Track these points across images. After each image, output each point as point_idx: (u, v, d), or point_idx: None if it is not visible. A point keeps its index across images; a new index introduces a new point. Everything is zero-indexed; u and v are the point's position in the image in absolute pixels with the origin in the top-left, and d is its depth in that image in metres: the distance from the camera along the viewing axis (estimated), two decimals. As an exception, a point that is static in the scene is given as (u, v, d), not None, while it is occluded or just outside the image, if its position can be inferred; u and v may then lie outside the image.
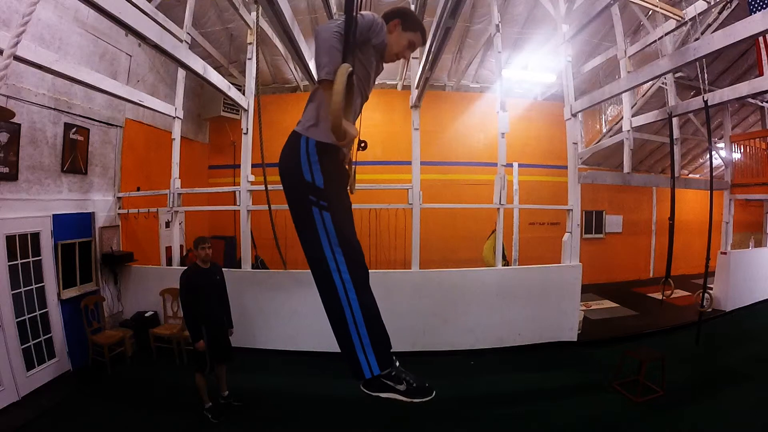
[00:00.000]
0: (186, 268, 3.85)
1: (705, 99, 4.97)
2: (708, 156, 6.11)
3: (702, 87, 5.01)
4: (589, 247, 8.63)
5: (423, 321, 5.08)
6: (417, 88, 5.12)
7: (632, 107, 7.00)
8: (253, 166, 5.38)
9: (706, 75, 5.02)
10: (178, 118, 5.64)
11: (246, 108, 5.40)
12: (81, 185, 5.00)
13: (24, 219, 4.13)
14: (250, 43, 5.30)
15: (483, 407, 3.94)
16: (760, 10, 4.34)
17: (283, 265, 5.17)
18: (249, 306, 5.09)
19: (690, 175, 10.08)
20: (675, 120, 6.19)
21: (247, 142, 5.38)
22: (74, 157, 4.81)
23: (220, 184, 8.28)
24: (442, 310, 5.15)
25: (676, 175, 5.60)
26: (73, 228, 4.77)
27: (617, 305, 7.29)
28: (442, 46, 3.51)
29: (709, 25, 5.36)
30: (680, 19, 5.38)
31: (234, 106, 7.28)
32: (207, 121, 8.36)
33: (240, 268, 5.42)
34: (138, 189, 5.83)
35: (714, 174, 5.37)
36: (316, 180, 1.32)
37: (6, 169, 3.92)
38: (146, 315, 5.26)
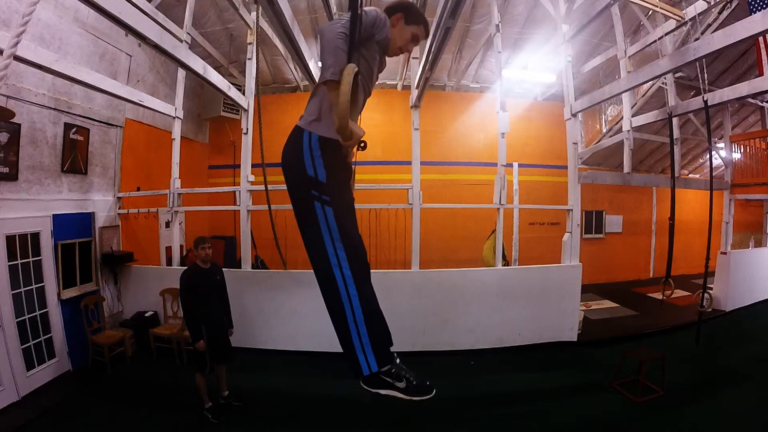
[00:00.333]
0: (186, 268, 3.85)
1: (705, 99, 4.97)
2: (708, 156, 6.11)
3: (702, 87, 5.01)
4: (589, 247, 8.63)
5: (423, 321, 5.08)
6: (417, 88, 5.12)
7: (632, 107, 7.00)
8: (253, 166, 5.38)
9: (706, 75, 5.02)
10: (178, 118, 5.64)
11: (246, 108, 5.40)
12: (81, 185, 5.00)
13: (24, 219, 4.13)
14: (250, 43, 5.30)
15: (483, 407, 3.94)
16: (760, 10, 4.34)
17: (283, 265, 5.17)
18: (249, 306, 5.09)
19: (690, 175, 10.08)
20: (675, 120, 6.19)
21: (247, 142, 5.38)
22: (74, 157, 4.81)
23: (220, 184, 8.28)
24: (442, 310, 5.15)
25: (676, 175, 5.59)
26: (73, 228, 4.77)
27: (617, 305, 7.29)
28: (442, 46, 3.51)
29: (709, 25, 5.36)
30: (680, 19, 5.38)
31: (234, 106, 7.28)
32: (207, 121, 8.36)
33: (240, 268, 5.43)
34: (138, 189, 5.83)
35: (714, 174, 5.37)
36: (319, 175, 1.31)
37: (6, 169, 3.92)
38: (146, 315, 5.26)
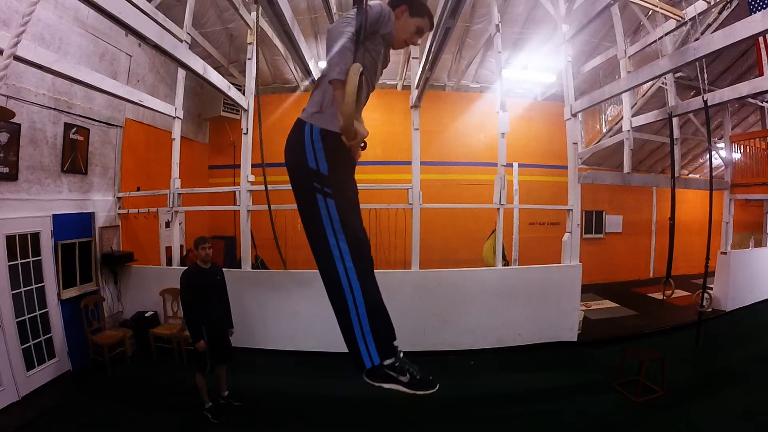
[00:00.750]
0: (186, 268, 3.85)
1: (705, 99, 4.97)
2: (708, 156, 6.11)
3: (702, 87, 5.00)
4: (589, 247, 8.63)
5: (423, 321, 5.08)
6: (417, 88, 5.13)
7: (632, 107, 7.00)
8: (253, 166, 5.38)
9: (706, 75, 5.02)
10: (178, 118, 5.65)
11: (246, 108, 5.40)
12: (81, 185, 5.00)
13: (24, 219, 4.13)
14: (250, 43, 5.30)
15: (483, 407, 3.94)
16: (760, 10, 4.34)
17: (283, 265, 5.17)
18: (249, 306, 5.09)
19: (690, 175, 10.08)
20: (675, 120, 6.19)
21: (247, 142, 5.38)
22: (74, 157, 4.81)
23: (220, 184, 8.28)
24: (442, 310, 5.15)
25: (676, 175, 5.59)
26: (73, 228, 4.77)
27: (617, 305, 7.29)
28: (442, 46, 3.51)
29: (709, 25, 5.36)
30: (680, 19, 5.38)
31: (234, 106, 7.28)
32: (207, 121, 8.36)
33: (240, 268, 5.42)
34: (138, 189, 5.83)
35: (714, 174, 5.37)
36: (321, 167, 1.31)
37: (6, 169, 3.92)
38: (146, 315, 5.26)
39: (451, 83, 8.67)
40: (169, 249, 5.61)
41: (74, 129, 4.78)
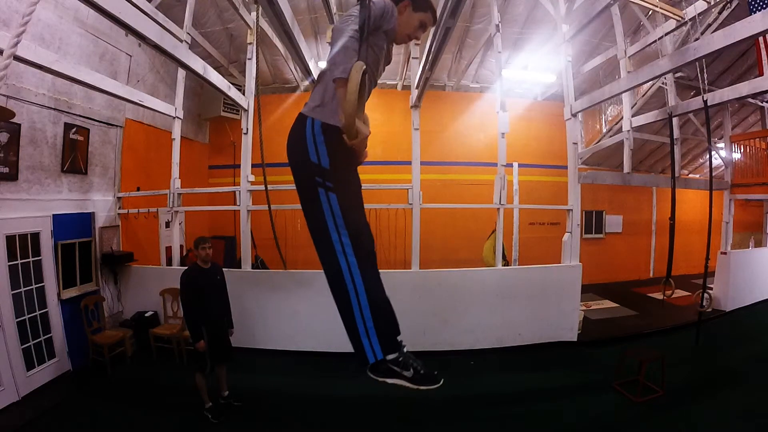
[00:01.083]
0: (187, 268, 3.85)
1: (705, 99, 4.97)
2: (708, 156, 6.10)
3: (702, 87, 5.00)
4: (589, 247, 8.63)
5: (423, 321, 5.08)
6: (417, 88, 5.13)
7: (632, 107, 7.00)
8: (253, 166, 5.38)
9: (706, 75, 5.02)
10: (178, 118, 5.65)
11: (246, 108, 5.40)
12: (81, 185, 5.00)
13: (24, 219, 4.13)
14: (250, 43, 5.29)
15: (483, 407, 3.94)
16: (760, 10, 4.34)
17: (283, 265, 5.17)
18: (249, 306, 5.09)
19: (690, 175, 10.08)
20: (675, 120, 6.19)
21: (247, 142, 5.38)
22: (74, 157, 4.81)
23: (220, 184, 8.28)
24: (442, 311, 5.15)
25: (676, 175, 5.59)
26: (73, 228, 4.77)
27: (617, 305, 7.29)
28: (442, 46, 3.52)
29: (709, 25, 5.36)
30: (680, 19, 5.38)
31: (234, 106, 7.28)
32: (207, 121, 8.36)
33: (240, 268, 5.42)
34: (138, 189, 5.83)
35: (714, 174, 5.37)
36: (322, 161, 1.31)
37: (6, 169, 3.92)
38: (146, 315, 5.25)
39: (451, 83, 8.67)
40: (169, 249, 5.61)
41: (74, 129, 4.78)
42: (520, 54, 7.27)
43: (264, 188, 4.63)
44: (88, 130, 5.02)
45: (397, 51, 7.16)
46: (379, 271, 1.39)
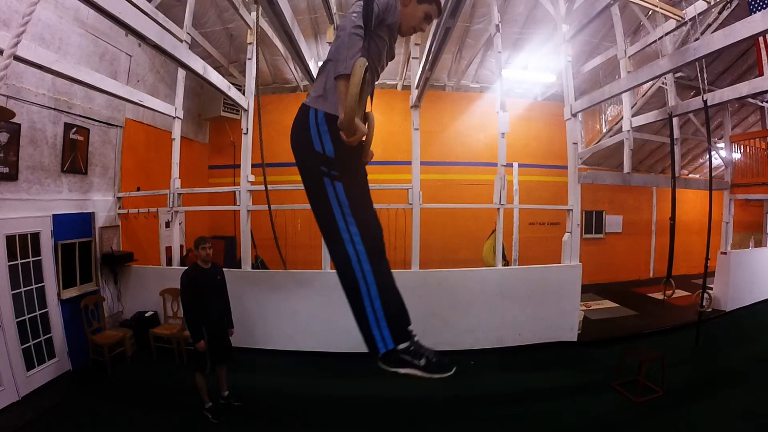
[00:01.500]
0: (187, 268, 3.85)
1: (705, 99, 4.97)
2: (708, 156, 6.11)
3: (702, 87, 5.00)
4: (589, 247, 8.62)
5: (423, 321, 5.03)
6: (417, 88, 5.13)
7: (632, 107, 7.00)
8: (253, 166, 5.38)
9: (706, 75, 5.02)
10: (178, 118, 5.65)
11: (246, 108, 5.40)
12: (81, 185, 5.00)
13: (24, 219, 4.13)
14: (250, 43, 5.30)
15: (483, 407, 3.94)
16: (760, 10, 4.34)
17: (283, 265, 5.17)
18: (249, 306, 5.09)
19: (690, 175, 10.08)
20: (675, 120, 6.19)
21: (247, 142, 5.38)
22: (74, 157, 4.81)
23: (220, 184, 8.28)
24: (442, 311, 5.15)
25: (677, 175, 5.59)
26: (73, 228, 4.77)
27: (617, 305, 7.29)
28: (442, 46, 3.52)
29: (709, 25, 5.36)
30: (680, 19, 5.38)
31: (234, 106, 7.28)
32: (207, 121, 8.36)
33: (240, 268, 5.42)
34: (138, 189, 5.83)
35: (714, 174, 5.37)
36: (327, 150, 1.29)
37: (6, 169, 3.92)
38: (146, 315, 5.25)
39: (451, 83, 8.67)
40: (169, 249, 5.61)
41: (74, 129, 4.78)
42: (520, 54, 7.27)
43: (264, 188, 4.62)
44: (88, 130, 5.02)
45: (397, 51, 7.15)
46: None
